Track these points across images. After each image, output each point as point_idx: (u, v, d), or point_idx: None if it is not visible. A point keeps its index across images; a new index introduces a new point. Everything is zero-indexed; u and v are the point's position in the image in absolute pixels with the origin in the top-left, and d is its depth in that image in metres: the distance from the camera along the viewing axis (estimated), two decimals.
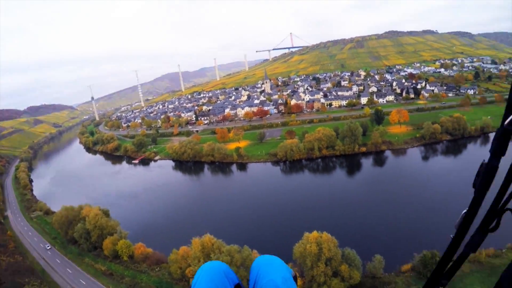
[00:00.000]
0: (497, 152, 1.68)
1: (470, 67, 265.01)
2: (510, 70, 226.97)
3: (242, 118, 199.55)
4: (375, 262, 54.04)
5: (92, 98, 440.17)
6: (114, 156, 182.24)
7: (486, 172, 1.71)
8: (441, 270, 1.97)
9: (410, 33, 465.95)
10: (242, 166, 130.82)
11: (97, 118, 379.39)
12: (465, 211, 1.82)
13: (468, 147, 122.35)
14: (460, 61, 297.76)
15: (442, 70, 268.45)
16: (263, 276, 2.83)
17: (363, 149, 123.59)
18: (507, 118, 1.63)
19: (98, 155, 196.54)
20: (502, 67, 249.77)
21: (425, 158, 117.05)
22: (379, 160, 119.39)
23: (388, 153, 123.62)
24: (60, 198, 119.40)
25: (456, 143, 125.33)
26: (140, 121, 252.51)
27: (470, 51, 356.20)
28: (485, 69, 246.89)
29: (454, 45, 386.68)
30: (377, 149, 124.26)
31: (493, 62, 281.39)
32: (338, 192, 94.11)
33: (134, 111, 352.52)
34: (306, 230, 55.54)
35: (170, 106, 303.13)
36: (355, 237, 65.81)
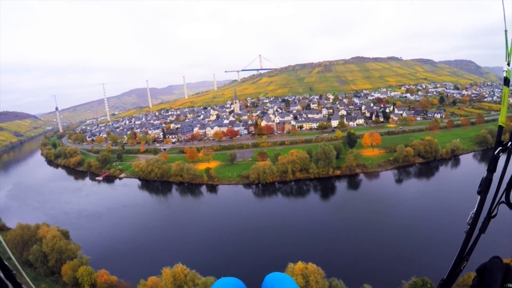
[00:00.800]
0: (491, 169, 2.62)
1: (435, 92, 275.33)
2: (473, 96, 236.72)
3: (211, 138, 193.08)
4: None
5: (57, 108, 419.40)
6: (76, 171, 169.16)
7: (485, 183, 2.61)
8: (464, 250, 2.69)
9: (376, 59, 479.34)
10: (213, 188, 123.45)
11: (61, 130, 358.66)
12: (473, 211, 2.66)
13: (440, 170, 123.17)
14: (424, 86, 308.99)
15: (408, 95, 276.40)
16: None
17: (338, 172, 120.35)
18: (496, 150, 2.65)
19: (60, 169, 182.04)
20: (464, 92, 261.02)
21: (399, 181, 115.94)
22: (354, 183, 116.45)
23: (362, 176, 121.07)
24: (16, 213, 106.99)
25: (428, 165, 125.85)
26: (105, 135, 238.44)
27: (433, 77, 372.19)
28: (448, 94, 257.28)
29: (418, 72, 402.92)
30: (351, 172, 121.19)
31: (456, 88, 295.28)
32: (315, 217, 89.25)
33: (100, 125, 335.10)
34: (287, 258, 51.62)
35: (137, 122, 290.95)
36: (339, 265, 61.74)
